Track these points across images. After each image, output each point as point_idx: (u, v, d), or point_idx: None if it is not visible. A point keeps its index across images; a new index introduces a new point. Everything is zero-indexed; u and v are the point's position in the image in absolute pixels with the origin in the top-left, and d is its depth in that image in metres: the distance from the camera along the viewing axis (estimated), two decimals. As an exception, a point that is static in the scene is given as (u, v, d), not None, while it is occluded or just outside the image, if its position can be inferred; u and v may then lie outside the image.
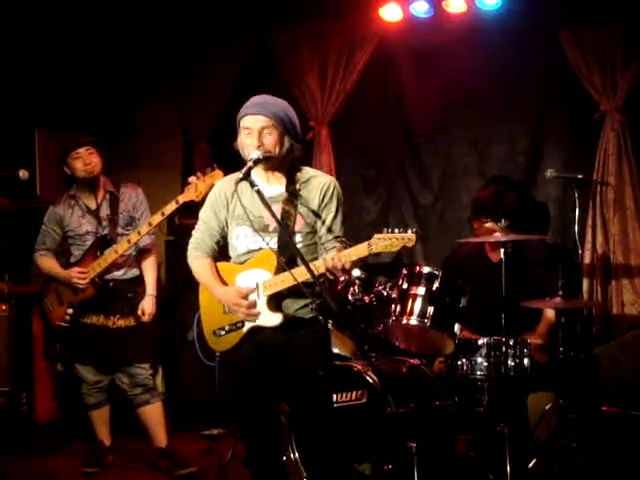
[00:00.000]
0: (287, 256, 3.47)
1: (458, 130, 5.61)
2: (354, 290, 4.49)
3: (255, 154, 3.45)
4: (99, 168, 4.61)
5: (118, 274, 4.61)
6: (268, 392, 3.67)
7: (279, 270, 3.48)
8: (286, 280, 3.44)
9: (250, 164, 3.44)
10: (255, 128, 3.47)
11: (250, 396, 3.64)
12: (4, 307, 5.15)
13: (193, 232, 3.75)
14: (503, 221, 4.29)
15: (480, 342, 4.28)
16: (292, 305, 3.57)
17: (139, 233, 4.43)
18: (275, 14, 5.84)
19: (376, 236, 3.32)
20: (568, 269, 4.54)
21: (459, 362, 4.33)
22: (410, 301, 4.33)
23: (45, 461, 4.77)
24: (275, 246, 3.51)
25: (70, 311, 4.57)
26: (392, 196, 5.87)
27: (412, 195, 5.80)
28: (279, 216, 3.50)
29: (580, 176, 4.74)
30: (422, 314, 4.30)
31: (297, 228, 3.56)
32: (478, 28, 5.29)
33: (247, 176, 3.43)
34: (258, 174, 3.59)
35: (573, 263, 4.84)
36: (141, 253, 4.68)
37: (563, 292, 4.23)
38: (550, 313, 4.60)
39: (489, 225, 4.65)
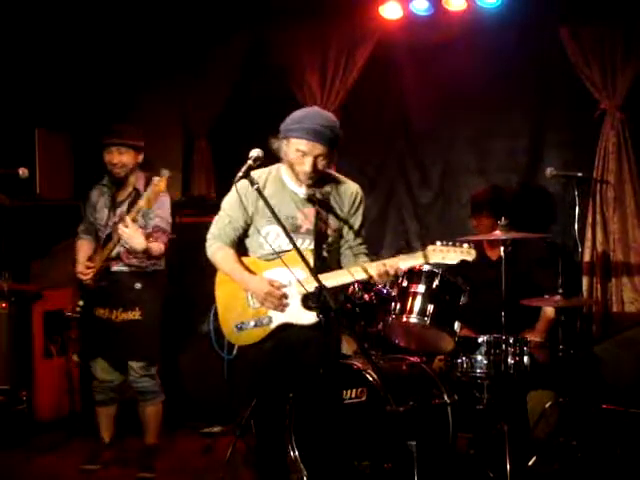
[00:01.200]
0: (321, 258, 3.54)
1: (458, 128, 5.62)
2: (354, 288, 4.49)
3: (255, 152, 3.44)
4: (127, 170, 4.52)
5: (124, 268, 4.59)
6: (284, 388, 3.71)
7: (314, 271, 3.47)
8: (338, 278, 3.48)
9: (250, 162, 3.43)
10: (312, 155, 3.47)
11: (267, 391, 3.65)
12: (4, 305, 5.16)
13: (214, 222, 3.70)
14: (503, 219, 4.28)
15: (480, 340, 4.28)
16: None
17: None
18: (275, 12, 5.83)
19: (430, 247, 3.42)
20: (568, 267, 4.54)
21: (459, 360, 4.33)
22: (410, 299, 4.33)
23: (45, 459, 4.77)
24: (311, 247, 3.55)
25: (80, 303, 4.57)
26: (392, 194, 5.87)
27: (412, 193, 5.81)
28: (312, 218, 3.56)
29: (580, 174, 4.75)
30: (422, 312, 4.29)
31: (328, 231, 3.62)
32: (478, 26, 5.29)
33: (247, 174, 3.42)
34: (290, 175, 3.60)
35: (573, 261, 4.84)
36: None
37: (563, 290, 4.23)
38: (550, 311, 4.60)
39: (488, 222, 4.66)
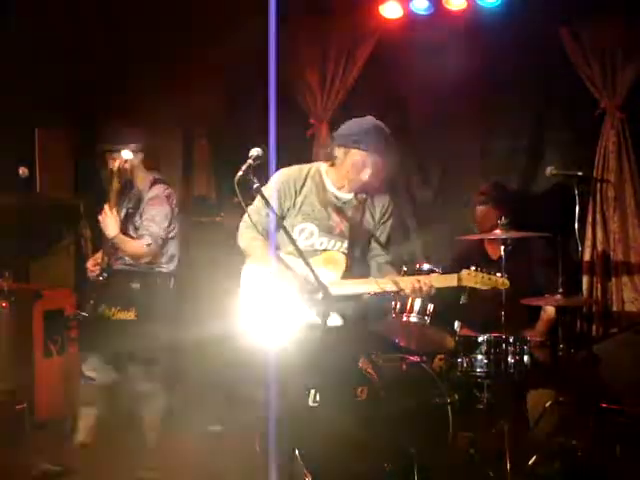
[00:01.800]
0: (352, 262, 3.59)
1: (458, 127, 5.61)
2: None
3: (255, 151, 3.43)
4: (130, 172, 4.50)
5: (123, 267, 4.57)
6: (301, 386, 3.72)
7: (346, 274, 3.53)
8: (355, 288, 3.53)
9: (250, 161, 3.42)
10: (373, 167, 3.56)
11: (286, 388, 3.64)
12: (4, 304, 5.15)
13: (249, 210, 3.64)
14: (503, 218, 4.29)
15: (480, 339, 4.28)
16: (345, 308, 3.61)
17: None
18: (275, 11, 5.82)
19: (465, 272, 3.54)
20: (568, 266, 4.54)
21: (459, 359, 4.33)
22: (410, 298, 4.33)
23: (45, 459, 4.76)
24: (345, 250, 3.60)
25: (91, 302, 4.52)
26: (392, 193, 5.85)
27: (412, 192, 5.81)
28: (348, 222, 3.62)
29: (580, 173, 4.74)
30: (422, 311, 4.31)
31: (359, 237, 3.67)
32: (478, 25, 5.29)
33: (247, 174, 3.42)
34: (331, 177, 3.66)
35: (573, 260, 4.84)
36: None
37: (563, 289, 4.23)
38: (550, 310, 4.60)
39: (493, 214, 4.65)
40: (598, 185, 5.09)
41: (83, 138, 5.90)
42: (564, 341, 4.44)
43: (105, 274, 4.51)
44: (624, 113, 5.04)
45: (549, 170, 4.74)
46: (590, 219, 5.11)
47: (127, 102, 6.15)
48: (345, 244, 3.63)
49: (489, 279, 3.54)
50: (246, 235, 3.72)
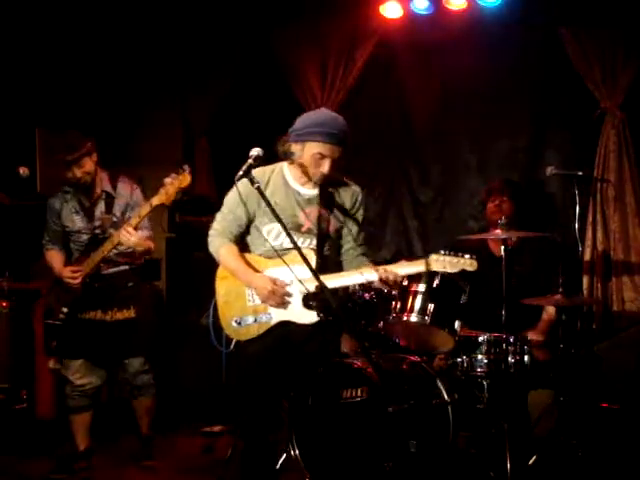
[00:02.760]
0: (323, 257, 3.59)
1: (458, 127, 5.62)
2: (354, 287, 4.49)
3: (255, 151, 3.45)
4: (92, 175, 4.50)
5: (115, 269, 4.59)
6: (278, 386, 3.73)
7: (319, 271, 3.50)
8: (341, 280, 3.54)
9: (250, 161, 3.45)
10: (331, 158, 3.52)
11: (261, 388, 3.66)
12: (4, 304, 5.16)
13: (217, 219, 3.73)
14: (503, 218, 4.30)
15: (480, 339, 4.28)
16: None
17: (118, 237, 4.37)
18: (276, 11, 5.83)
19: (433, 256, 3.51)
20: (568, 266, 4.54)
21: (459, 359, 4.33)
22: (410, 298, 4.32)
23: (46, 458, 4.76)
24: (312, 247, 3.60)
25: (64, 310, 4.53)
26: (392, 193, 5.88)
27: (412, 192, 5.81)
28: (314, 218, 3.61)
29: (580, 173, 4.76)
30: (422, 311, 4.29)
31: (330, 231, 3.65)
32: (478, 25, 5.29)
33: (247, 173, 3.44)
34: (293, 175, 3.65)
35: (573, 260, 4.84)
36: None
37: (563, 289, 4.23)
38: (550, 310, 4.60)
39: (508, 205, 4.68)
40: (598, 185, 5.09)
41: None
42: (564, 341, 4.44)
43: (96, 284, 4.52)
44: (624, 112, 5.04)
45: (549, 170, 4.75)
46: (590, 219, 5.11)
47: (127, 102, 6.17)
48: (314, 240, 3.62)
49: (457, 261, 3.50)
50: (215, 243, 3.71)
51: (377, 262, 4.21)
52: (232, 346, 3.77)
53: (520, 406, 4.36)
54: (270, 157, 3.59)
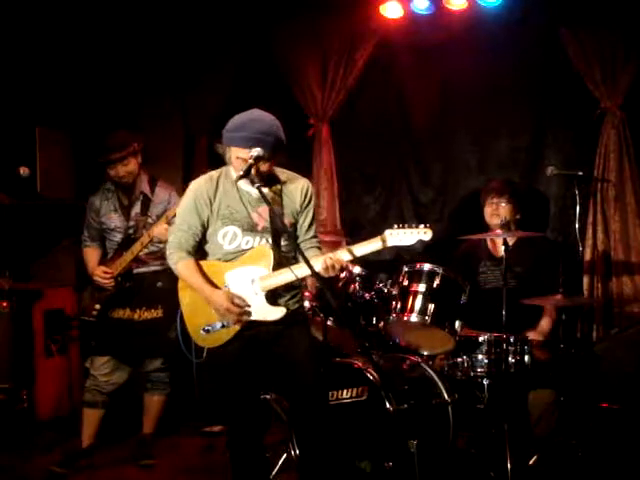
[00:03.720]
0: (279, 254, 3.58)
1: (458, 127, 5.61)
2: (355, 287, 4.49)
3: (255, 151, 3.45)
4: (134, 175, 4.61)
5: (144, 269, 4.66)
6: (256, 386, 3.74)
7: (276, 267, 3.54)
8: (286, 276, 3.51)
9: (251, 161, 3.45)
10: (249, 159, 3.48)
11: (238, 391, 3.65)
12: (5, 304, 5.16)
13: (172, 231, 3.71)
14: (505, 218, 4.30)
15: (481, 339, 4.29)
16: (283, 298, 3.65)
17: (149, 235, 4.46)
18: (276, 11, 5.83)
19: (388, 231, 3.50)
20: (569, 266, 4.54)
21: (459, 359, 4.33)
22: (411, 298, 4.34)
23: (45, 458, 4.77)
24: (269, 244, 3.59)
25: (97, 307, 4.62)
26: (392, 193, 5.87)
27: (412, 192, 5.80)
28: (267, 216, 3.60)
29: (581, 173, 4.76)
30: (423, 311, 4.30)
31: (285, 227, 3.63)
32: (478, 25, 5.28)
33: (247, 174, 3.45)
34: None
35: (574, 260, 4.85)
36: None
37: (564, 289, 4.23)
38: (551, 310, 4.60)
39: (508, 207, 4.66)
40: (598, 185, 5.09)
41: (83, 138, 5.90)
42: (564, 341, 4.44)
43: (129, 283, 4.59)
44: (624, 112, 5.03)
45: (549, 170, 4.76)
46: (591, 219, 5.11)
47: (127, 102, 6.16)
48: (270, 238, 3.62)
49: (411, 232, 3.52)
50: (173, 258, 3.67)
51: (378, 262, 4.22)
52: (204, 354, 3.73)
53: (520, 406, 4.36)
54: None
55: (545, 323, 4.60)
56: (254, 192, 3.60)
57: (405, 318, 4.33)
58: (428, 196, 5.77)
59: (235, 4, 5.82)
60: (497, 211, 4.73)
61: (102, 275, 4.58)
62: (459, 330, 4.34)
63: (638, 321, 4.92)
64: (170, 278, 4.66)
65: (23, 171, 4.67)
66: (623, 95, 5.01)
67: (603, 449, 4.26)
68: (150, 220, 4.60)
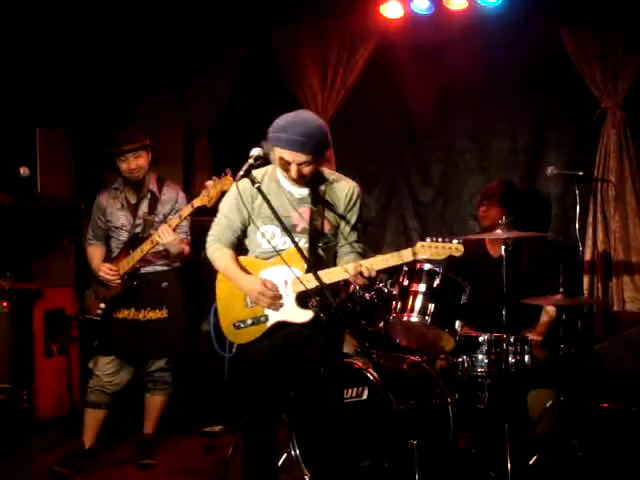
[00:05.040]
0: (316, 257, 3.56)
1: (459, 127, 5.61)
2: (355, 287, 4.49)
3: (256, 151, 3.45)
4: (144, 171, 4.61)
5: (150, 269, 4.66)
6: (281, 387, 3.71)
7: (310, 269, 3.50)
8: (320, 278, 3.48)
9: (251, 161, 3.44)
10: (294, 163, 3.47)
11: (263, 390, 3.65)
12: (5, 304, 5.17)
13: (213, 225, 3.74)
14: (504, 218, 4.30)
15: (481, 339, 4.29)
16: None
17: (159, 235, 4.45)
18: (276, 11, 5.84)
19: (420, 244, 3.42)
20: (569, 266, 4.54)
21: (460, 359, 4.33)
22: (411, 298, 4.33)
23: (45, 458, 4.77)
24: (306, 246, 3.57)
25: (102, 305, 4.63)
26: (393, 193, 5.87)
27: (413, 192, 5.81)
28: (308, 217, 3.59)
29: (581, 173, 4.76)
30: (423, 311, 4.30)
31: (324, 230, 3.62)
32: (479, 25, 5.28)
33: (248, 174, 3.44)
34: (284, 175, 3.60)
35: (574, 260, 4.84)
36: None
37: (564, 289, 4.23)
38: (551, 310, 4.60)
39: (497, 213, 4.66)
40: (599, 185, 5.09)
41: (84, 138, 5.90)
42: (565, 341, 4.44)
43: (135, 283, 4.59)
44: (625, 112, 5.03)
45: (550, 170, 4.75)
46: (591, 219, 5.11)
47: (128, 101, 6.16)
48: (308, 239, 3.60)
49: (443, 247, 3.41)
50: (211, 248, 3.72)
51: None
52: (234, 349, 3.75)
53: (520, 406, 4.36)
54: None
55: (542, 323, 4.60)
56: (296, 192, 3.61)
57: (405, 318, 4.33)
58: (428, 196, 5.77)
59: (236, 4, 5.82)
60: (487, 214, 4.76)
61: (107, 272, 4.56)
62: (459, 330, 4.34)
63: (638, 321, 4.92)
64: (175, 278, 4.73)
65: (23, 171, 4.67)
66: (623, 95, 5.01)
67: (603, 449, 4.26)
68: (157, 219, 4.59)
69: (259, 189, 3.44)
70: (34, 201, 5.57)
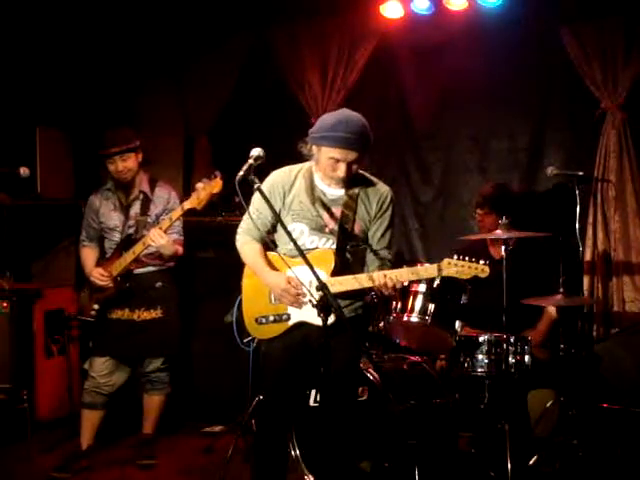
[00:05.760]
0: (343, 259, 3.55)
1: (459, 127, 5.62)
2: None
3: (256, 151, 3.43)
4: (133, 172, 4.61)
5: (143, 270, 4.66)
6: (296, 386, 3.72)
7: (335, 272, 3.50)
8: (345, 284, 3.49)
9: (251, 161, 3.43)
10: (345, 162, 3.47)
11: (279, 387, 3.65)
12: (5, 304, 5.16)
13: (244, 217, 3.72)
14: (504, 218, 4.30)
15: (481, 339, 4.28)
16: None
17: (150, 238, 4.43)
18: (276, 11, 5.83)
19: (446, 260, 3.46)
20: (569, 266, 4.54)
21: (460, 359, 4.33)
22: (411, 298, 4.33)
23: (45, 458, 4.77)
24: (334, 247, 3.56)
25: (96, 307, 4.62)
26: (393, 193, 5.86)
27: (413, 192, 5.81)
28: (339, 218, 3.57)
29: (581, 173, 4.75)
30: (423, 311, 4.30)
31: (354, 232, 3.61)
32: (479, 25, 5.28)
33: (248, 173, 3.42)
34: (320, 175, 3.60)
35: (574, 260, 4.84)
36: None
37: (564, 289, 4.23)
38: (551, 310, 4.60)
39: (491, 218, 4.65)
40: (599, 185, 5.09)
41: (83, 138, 5.90)
42: (565, 341, 4.44)
43: (128, 284, 4.58)
44: (625, 113, 5.03)
45: (550, 170, 4.75)
46: (591, 219, 5.11)
47: (128, 101, 6.16)
48: (336, 241, 3.59)
49: (469, 267, 3.45)
50: (240, 241, 3.74)
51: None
52: (255, 343, 3.75)
53: (520, 406, 4.36)
54: (271, 157, 3.55)
55: (542, 323, 4.60)
56: (330, 192, 3.60)
57: (405, 318, 4.32)
58: (428, 196, 5.77)
59: (236, 4, 5.82)
60: (483, 223, 4.78)
61: (99, 277, 4.57)
62: (459, 330, 4.34)
63: (638, 321, 4.92)
64: (169, 278, 4.73)
65: (23, 171, 4.67)
66: (623, 95, 5.01)
67: (603, 449, 4.26)
68: (150, 220, 4.60)
69: (259, 190, 3.43)
70: (34, 201, 5.57)
